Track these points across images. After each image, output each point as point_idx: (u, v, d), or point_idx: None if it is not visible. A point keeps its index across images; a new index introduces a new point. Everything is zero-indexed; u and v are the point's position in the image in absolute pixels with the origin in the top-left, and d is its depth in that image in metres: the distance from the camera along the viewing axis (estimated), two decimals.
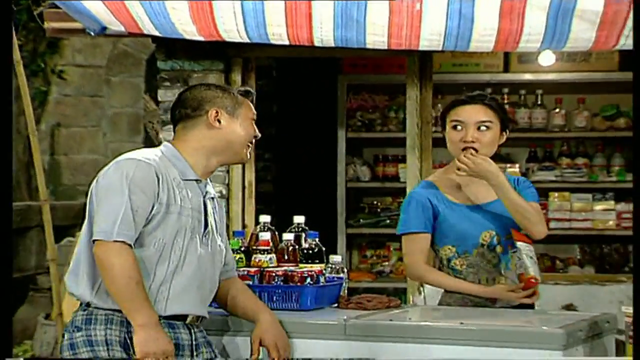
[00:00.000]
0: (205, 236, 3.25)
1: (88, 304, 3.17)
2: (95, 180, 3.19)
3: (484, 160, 3.67)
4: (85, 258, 3.17)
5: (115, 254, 3.06)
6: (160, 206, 3.13)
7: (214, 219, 3.30)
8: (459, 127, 3.74)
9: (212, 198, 3.32)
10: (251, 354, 3.28)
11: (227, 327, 3.41)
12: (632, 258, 2.96)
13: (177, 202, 3.17)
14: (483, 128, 3.74)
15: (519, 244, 3.61)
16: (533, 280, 3.62)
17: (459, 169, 3.70)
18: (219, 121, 3.26)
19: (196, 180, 3.25)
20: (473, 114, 3.74)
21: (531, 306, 3.80)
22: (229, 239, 3.52)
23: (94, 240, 3.10)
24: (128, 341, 3.11)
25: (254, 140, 3.34)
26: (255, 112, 3.36)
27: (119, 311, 3.12)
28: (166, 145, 3.29)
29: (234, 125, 3.27)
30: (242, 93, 3.36)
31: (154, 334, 3.06)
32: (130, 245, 3.08)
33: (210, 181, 3.36)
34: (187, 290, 3.19)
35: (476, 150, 3.72)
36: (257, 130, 3.34)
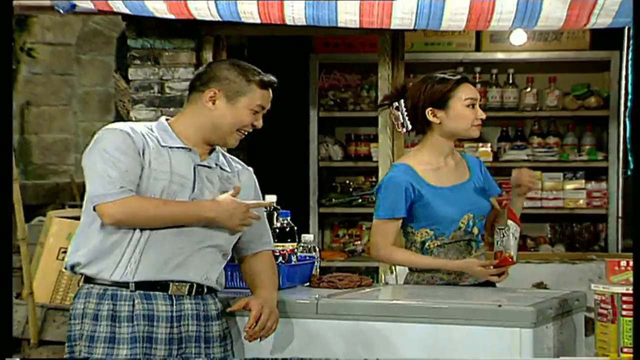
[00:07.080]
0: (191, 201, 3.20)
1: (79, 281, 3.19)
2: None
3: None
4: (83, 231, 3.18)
5: (122, 208, 3.07)
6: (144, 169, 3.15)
7: (212, 187, 3.24)
8: (472, 105, 3.75)
9: (211, 168, 3.27)
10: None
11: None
12: (633, 254, 2.96)
13: (150, 167, 3.16)
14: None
15: (509, 222, 3.63)
16: (510, 260, 3.63)
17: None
18: (213, 102, 3.26)
19: (184, 148, 3.23)
20: (476, 92, 3.79)
21: (493, 285, 3.81)
22: None
23: (94, 207, 3.10)
24: (99, 313, 3.11)
25: (248, 130, 3.31)
26: (263, 103, 3.33)
27: (97, 283, 3.13)
28: (160, 118, 3.32)
29: (225, 111, 3.26)
30: (264, 81, 3.35)
31: (223, 209, 3.13)
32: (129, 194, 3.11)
33: (224, 155, 3.35)
34: (161, 254, 3.14)
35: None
36: (257, 121, 3.31)
